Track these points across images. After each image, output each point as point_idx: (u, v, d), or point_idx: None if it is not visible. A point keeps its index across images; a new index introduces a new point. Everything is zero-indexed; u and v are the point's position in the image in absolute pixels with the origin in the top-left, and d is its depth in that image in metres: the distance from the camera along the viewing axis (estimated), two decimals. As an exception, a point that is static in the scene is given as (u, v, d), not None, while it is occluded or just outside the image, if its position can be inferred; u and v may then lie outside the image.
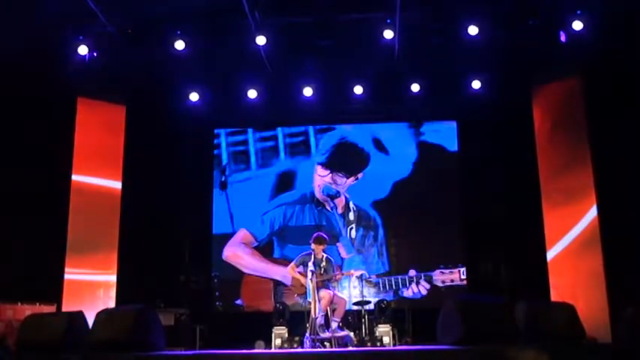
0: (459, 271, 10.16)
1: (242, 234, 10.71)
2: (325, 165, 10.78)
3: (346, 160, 10.83)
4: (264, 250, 10.61)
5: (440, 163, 10.78)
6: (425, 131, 10.88)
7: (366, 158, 10.79)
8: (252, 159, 10.95)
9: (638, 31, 8.47)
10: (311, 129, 11.00)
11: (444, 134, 10.83)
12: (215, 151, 11.06)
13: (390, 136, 10.91)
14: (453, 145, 10.78)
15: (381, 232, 10.55)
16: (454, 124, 10.83)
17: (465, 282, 10.13)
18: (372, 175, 10.73)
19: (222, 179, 10.84)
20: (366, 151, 10.84)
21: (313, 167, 10.83)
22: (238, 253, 10.64)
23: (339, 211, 10.57)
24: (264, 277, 10.49)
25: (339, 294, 8.52)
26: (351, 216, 10.44)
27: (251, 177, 10.93)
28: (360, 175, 10.71)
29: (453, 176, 10.70)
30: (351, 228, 10.45)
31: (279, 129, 11.02)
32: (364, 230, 10.52)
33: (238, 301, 10.53)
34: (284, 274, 10.08)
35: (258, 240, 10.63)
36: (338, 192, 10.57)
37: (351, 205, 10.50)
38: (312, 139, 10.97)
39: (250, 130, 11.05)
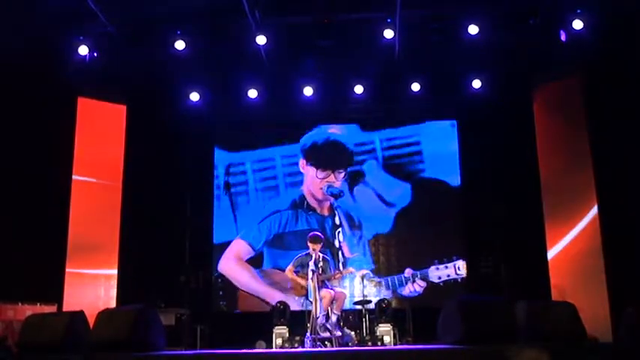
0: (454, 265, 10.12)
1: (237, 246, 10.61)
2: (323, 167, 10.75)
3: (336, 156, 10.81)
4: (256, 261, 10.56)
5: (439, 163, 10.78)
6: (424, 131, 10.88)
7: (351, 153, 10.80)
8: (251, 186, 10.94)
9: (638, 31, 8.47)
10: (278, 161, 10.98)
11: (444, 134, 10.83)
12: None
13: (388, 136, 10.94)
14: (452, 145, 10.78)
15: (365, 232, 10.55)
16: (454, 123, 10.83)
17: (461, 275, 10.10)
18: (367, 172, 10.74)
19: (226, 179, 10.85)
20: (349, 148, 10.84)
21: (300, 170, 10.80)
22: (233, 269, 10.57)
23: (326, 213, 10.57)
24: (258, 298, 10.44)
25: (339, 288, 8.50)
26: (337, 220, 10.47)
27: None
28: (349, 168, 10.70)
29: (452, 176, 10.69)
30: (338, 232, 10.45)
31: (277, 156, 10.94)
32: (351, 230, 10.52)
33: (237, 311, 10.55)
34: (275, 297, 9.95)
35: (256, 249, 10.55)
36: (341, 190, 10.57)
37: (335, 210, 10.52)
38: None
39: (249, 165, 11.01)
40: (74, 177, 9.62)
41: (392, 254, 10.50)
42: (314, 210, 10.61)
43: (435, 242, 10.40)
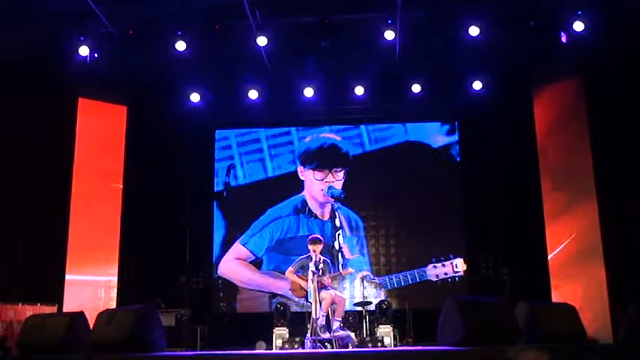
0: (451, 263, 10.10)
1: (237, 250, 10.59)
2: (320, 168, 10.74)
3: (332, 156, 10.81)
4: (256, 265, 10.53)
5: (440, 163, 10.78)
6: (425, 131, 10.88)
7: (346, 154, 10.81)
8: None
9: (638, 31, 8.47)
10: (294, 134, 10.97)
11: (444, 134, 10.83)
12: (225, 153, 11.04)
13: (387, 135, 10.94)
14: (453, 145, 10.78)
15: (362, 234, 10.56)
16: (454, 124, 10.83)
17: (459, 273, 10.07)
18: (366, 174, 10.74)
19: (227, 180, 10.86)
20: (343, 149, 10.84)
21: (299, 176, 10.79)
22: (233, 269, 10.55)
23: (327, 217, 10.56)
24: (259, 291, 10.44)
25: (339, 293, 8.49)
26: (337, 222, 10.47)
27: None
28: (347, 168, 10.70)
29: (453, 176, 10.69)
30: (339, 234, 10.45)
31: (262, 133, 10.99)
32: (352, 233, 10.54)
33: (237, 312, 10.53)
34: (280, 286, 10.00)
35: (258, 256, 10.53)
36: (342, 191, 10.56)
37: (335, 212, 10.52)
38: (297, 144, 10.98)
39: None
40: (74, 177, 9.63)
41: (392, 254, 10.50)
42: (315, 215, 10.59)
43: (433, 242, 10.38)
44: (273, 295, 10.24)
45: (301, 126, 11.02)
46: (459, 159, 10.74)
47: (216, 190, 10.93)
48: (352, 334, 8.21)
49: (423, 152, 10.81)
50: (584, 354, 5.28)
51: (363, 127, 10.96)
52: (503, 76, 10.09)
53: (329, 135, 10.94)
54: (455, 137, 10.80)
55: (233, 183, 10.91)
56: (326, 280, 7.98)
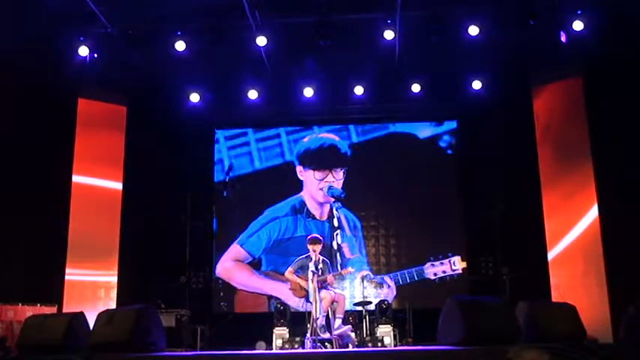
0: (450, 261, 10.12)
1: (235, 251, 10.60)
2: (320, 168, 10.74)
3: (332, 157, 10.80)
4: (255, 266, 10.55)
5: (439, 163, 10.78)
6: (424, 131, 10.88)
7: (345, 154, 10.80)
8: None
9: (638, 31, 8.48)
10: (284, 136, 10.97)
11: (444, 134, 10.83)
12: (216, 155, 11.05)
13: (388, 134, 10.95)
14: (452, 145, 10.78)
15: (360, 234, 10.56)
16: (454, 123, 10.83)
17: (457, 271, 10.08)
18: (366, 174, 10.73)
19: (227, 180, 10.85)
20: (342, 150, 10.83)
21: (297, 177, 10.77)
22: (230, 270, 10.55)
23: (325, 217, 10.56)
24: (257, 293, 10.43)
25: (338, 291, 8.49)
26: (335, 222, 10.47)
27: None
28: (346, 168, 10.69)
29: (452, 176, 10.70)
30: (337, 234, 10.45)
31: (250, 135, 11.01)
32: (352, 232, 10.54)
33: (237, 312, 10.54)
34: (277, 289, 10.01)
35: (255, 257, 10.53)
36: (342, 191, 10.55)
37: (335, 211, 10.53)
38: (286, 147, 10.97)
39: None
40: (74, 177, 9.64)
41: (392, 254, 10.50)
42: (313, 216, 10.58)
43: (433, 241, 10.38)
44: (269, 301, 10.23)
45: (301, 125, 11.01)
46: (449, 151, 10.75)
47: (216, 189, 10.92)
48: (352, 334, 8.22)
49: (411, 143, 10.83)
50: (584, 354, 5.28)
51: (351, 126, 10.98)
52: (503, 76, 10.09)
53: (327, 135, 10.94)
54: (443, 128, 10.81)
55: (231, 174, 10.91)
56: (328, 279, 8.00)
